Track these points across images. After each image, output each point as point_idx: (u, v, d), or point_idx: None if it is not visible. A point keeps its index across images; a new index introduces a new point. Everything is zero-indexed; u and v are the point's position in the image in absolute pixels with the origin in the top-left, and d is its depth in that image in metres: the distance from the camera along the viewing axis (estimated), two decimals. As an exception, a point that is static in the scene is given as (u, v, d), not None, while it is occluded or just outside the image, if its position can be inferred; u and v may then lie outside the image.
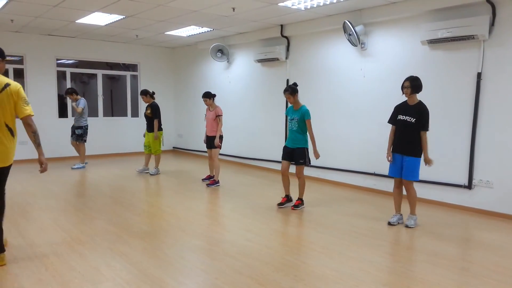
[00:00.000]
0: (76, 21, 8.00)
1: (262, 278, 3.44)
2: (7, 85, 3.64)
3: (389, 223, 5.07)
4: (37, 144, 3.76)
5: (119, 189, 6.93)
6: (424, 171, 6.17)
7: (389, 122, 5.20)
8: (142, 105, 11.44)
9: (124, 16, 7.51)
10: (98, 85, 10.72)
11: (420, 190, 6.23)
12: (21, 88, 3.75)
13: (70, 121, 10.31)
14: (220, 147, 7.24)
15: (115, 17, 7.63)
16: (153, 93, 8.37)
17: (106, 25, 8.31)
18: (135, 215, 5.36)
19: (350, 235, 4.68)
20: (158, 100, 11.68)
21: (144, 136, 8.55)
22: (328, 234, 4.69)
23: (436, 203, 6.11)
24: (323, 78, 7.68)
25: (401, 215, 5.15)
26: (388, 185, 6.69)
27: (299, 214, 5.60)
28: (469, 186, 5.76)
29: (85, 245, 4.19)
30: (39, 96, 9.72)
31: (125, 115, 11.33)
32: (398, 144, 5.02)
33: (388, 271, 3.67)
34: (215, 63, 10.27)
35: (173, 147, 12.16)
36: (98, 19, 7.78)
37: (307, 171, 8.02)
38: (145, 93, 8.25)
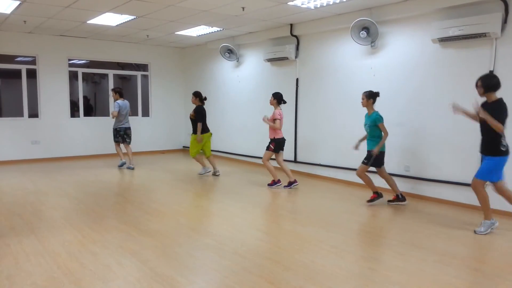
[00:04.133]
0: (88, 22, 8.08)
1: (272, 277, 3.45)
2: None
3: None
4: None
5: (130, 188, 6.98)
6: (435, 170, 6.15)
7: None
8: (153, 105, 11.55)
9: (135, 17, 7.56)
10: (109, 85, 10.80)
11: (432, 189, 6.22)
12: None
13: (81, 120, 10.47)
14: (271, 150, 6.96)
15: (126, 18, 7.68)
16: (205, 98, 8.17)
17: (117, 25, 8.38)
18: (145, 213, 5.40)
19: (360, 234, 4.66)
20: (168, 99, 11.81)
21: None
22: (338, 233, 4.68)
23: (448, 202, 6.06)
24: (333, 77, 7.65)
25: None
26: (398, 183, 6.65)
27: (309, 213, 5.58)
28: (481, 185, 5.69)
29: (97, 243, 4.23)
30: (51, 96, 9.84)
31: (136, 114, 11.41)
32: (481, 143, 4.70)
33: (398, 271, 3.65)
34: (224, 63, 10.30)
35: (183, 146, 12.21)
36: (109, 19, 7.84)
37: (317, 169, 8.04)
38: (196, 95, 8.09)
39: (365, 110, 7.07)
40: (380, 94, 6.79)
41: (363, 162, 5.91)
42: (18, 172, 8.24)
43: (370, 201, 5.99)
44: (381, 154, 5.84)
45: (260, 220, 5.26)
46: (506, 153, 4.53)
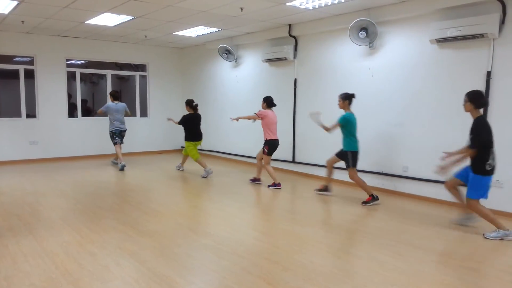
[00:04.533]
0: (86, 22, 8.07)
1: (270, 277, 3.45)
2: None
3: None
4: None
5: (128, 189, 6.97)
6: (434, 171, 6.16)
7: None
8: (151, 105, 11.54)
9: (133, 17, 7.55)
10: (107, 85, 10.79)
11: (429, 189, 6.22)
12: None
13: (79, 121, 10.45)
14: (265, 153, 7.07)
15: (124, 18, 7.68)
16: (196, 105, 8.26)
17: (115, 25, 8.37)
18: (144, 214, 5.39)
19: (358, 234, 4.67)
20: (167, 99, 11.78)
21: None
22: (336, 234, 4.69)
23: (445, 202, 6.07)
24: (331, 77, 7.66)
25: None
26: (397, 184, 6.67)
27: (307, 213, 5.59)
28: (478, 186, 5.71)
29: (95, 243, 4.23)
30: (49, 97, 9.82)
31: (134, 115, 11.39)
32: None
33: (397, 271, 3.65)
34: (223, 63, 10.30)
35: (182, 147, 12.19)
36: (108, 20, 7.83)
37: (315, 170, 8.05)
38: (186, 103, 8.25)
39: (364, 110, 7.09)
40: (379, 95, 6.84)
41: (346, 167, 6.10)
42: (16, 173, 8.22)
43: (365, 203, 6.01)
44: (356, 154, 6.04)
45: (258, 220, 5.26)
46: (490, 172, 4.54)
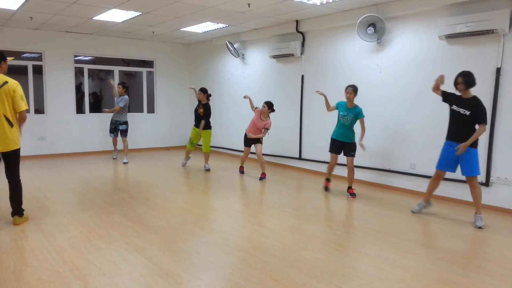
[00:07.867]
0: (94, 18, 8.10)
1: (276, 274, 3.45)
2: (5, 82, 4.24)
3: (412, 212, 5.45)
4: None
5: (135, 184, 7.00)
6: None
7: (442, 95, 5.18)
8: (158, 101, 11.56)
9: (141, 13, 7.57)
10: (114, 81, 10.80)
11: (439, 188, 6.17)
12: (19, 86, 4.31)
13: (87, 117, 10.51)
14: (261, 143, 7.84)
15: (131, 14, 7.69)
16: (210, 95, 8.48)
17: (122, 21, 8.39)
18: (150, 210, 5.42)
19: (365, 232, 4.65)
20: (174, 95, 11.82)
21: (192, 130, 8.61)
22: (343, 231, 4.67)
23: (453, 200, 6.03)
24: (338, 73, 7.62)
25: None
26: (404, 182, 6.64)
27: (314, 210, 5.58)
28: (486, 183, 5.67)
29: (102, 239, 4.25)
30: (57, 93, 9.88)
31: (141, 111, 11.43)
32: (453, 132, 5.01)
33: (403, 269, 3.64)
34: (230, 59, 10.29)
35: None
36: (115, 16, 7.86)
37: (322, 167, 8.03)
38: (204, 91, 8.39)
39: (372, 106, 7.07)
40: (387, 91, 6.79)
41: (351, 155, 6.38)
42: (24, 168, 8.22)
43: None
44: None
45: (265, 216, 5.26)
46: (476, 145, 4.89)
